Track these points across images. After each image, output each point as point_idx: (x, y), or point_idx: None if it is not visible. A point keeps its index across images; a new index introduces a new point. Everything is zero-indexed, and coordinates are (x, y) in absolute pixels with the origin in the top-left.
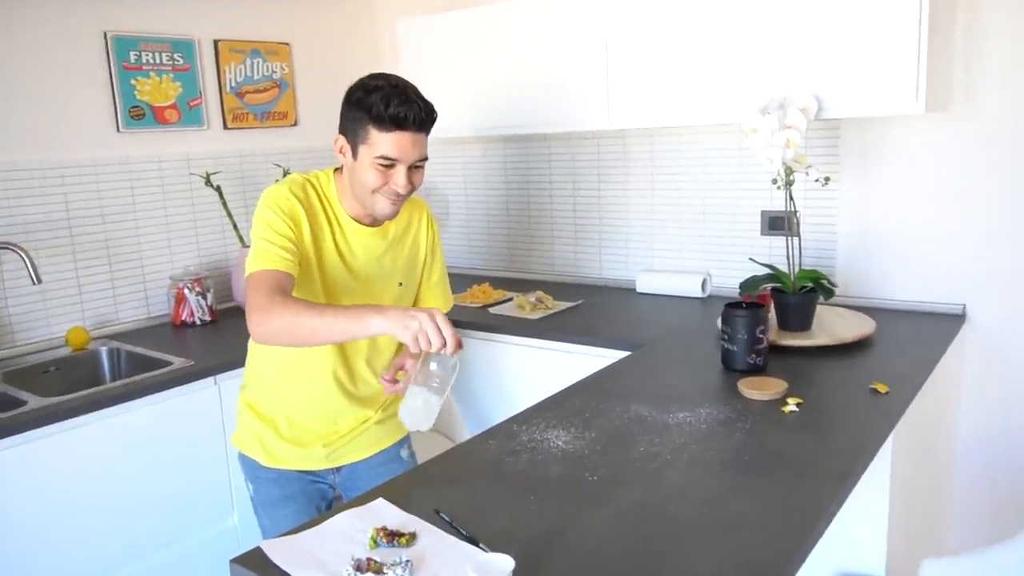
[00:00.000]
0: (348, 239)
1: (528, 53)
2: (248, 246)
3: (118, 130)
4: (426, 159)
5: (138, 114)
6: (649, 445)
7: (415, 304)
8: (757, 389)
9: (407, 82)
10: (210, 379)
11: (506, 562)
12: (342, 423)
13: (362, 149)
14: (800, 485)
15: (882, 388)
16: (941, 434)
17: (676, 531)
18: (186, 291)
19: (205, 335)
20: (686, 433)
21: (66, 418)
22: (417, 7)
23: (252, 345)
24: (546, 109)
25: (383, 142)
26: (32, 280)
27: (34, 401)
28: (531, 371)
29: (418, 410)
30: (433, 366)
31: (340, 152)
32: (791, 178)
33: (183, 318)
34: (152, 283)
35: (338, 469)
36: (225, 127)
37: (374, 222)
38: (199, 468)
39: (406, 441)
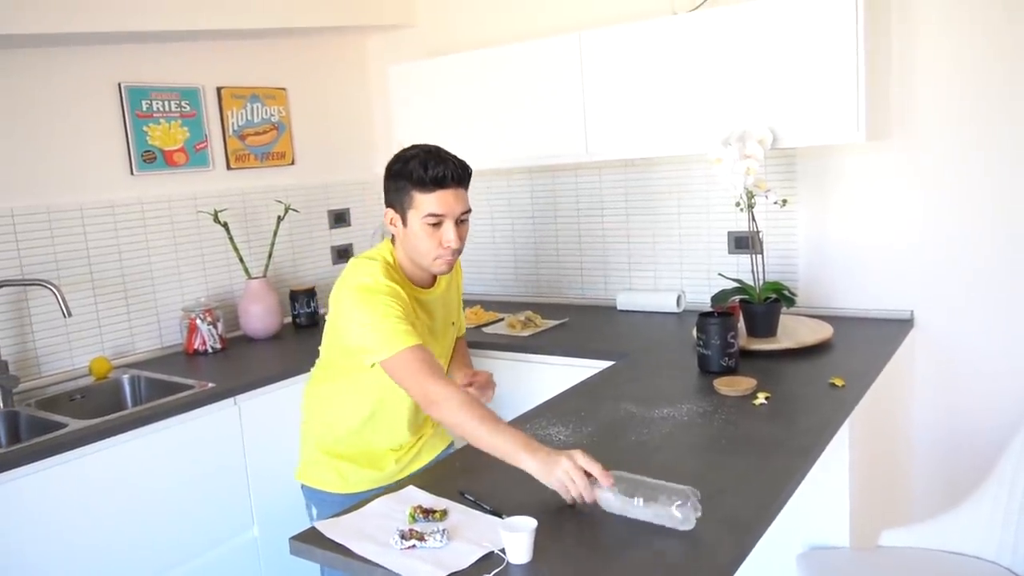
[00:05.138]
0: (422, 304)
1: (511, 95)
2: (253, 277)
3: (132, 173)
4: (470, 211)
5: (150, 158)
6: (639, 435)
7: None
8: (730, 387)
9: (437, 146)
10: (230, 400)
11: (530, 521)
12: (406, 444)
13: (411, 215)
14: (770, 461)
15: (839, 382)
16: (897, 421)
17: None
18: (198, 321)
19: (218, 361)
20: (670, 424)
21: (105, 437)
22: (405, 54)
23: (324, 394)
24: (529, 145)
25: (428, 202)
26: (63, 313)
27: (73, 423)
28: (526, 383)
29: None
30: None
31: (391, 224)
32: (752, 201)
33: (195, 347)
34: (165, 314)
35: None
36: (228, 167)
37: (430, 280)
38: (222, 483)
39: (452, 444)
